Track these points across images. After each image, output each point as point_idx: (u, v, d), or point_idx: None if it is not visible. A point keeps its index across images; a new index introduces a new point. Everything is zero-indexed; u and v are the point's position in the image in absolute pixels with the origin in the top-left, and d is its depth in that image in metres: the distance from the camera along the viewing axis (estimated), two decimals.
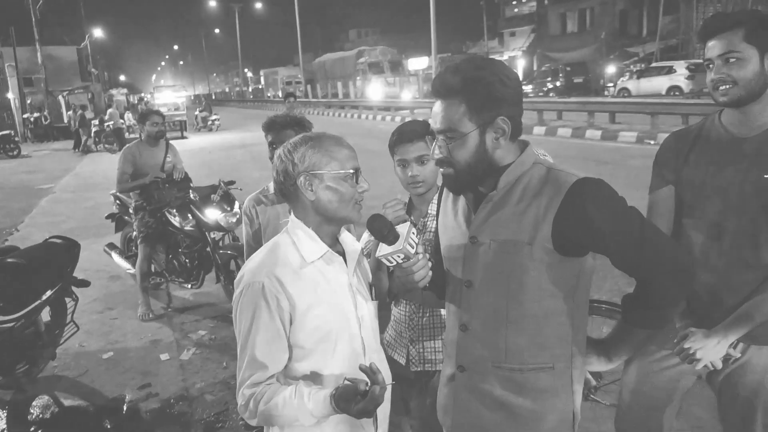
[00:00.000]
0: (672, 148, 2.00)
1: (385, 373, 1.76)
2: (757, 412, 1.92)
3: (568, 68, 33.35)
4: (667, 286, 1.45)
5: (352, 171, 1.56)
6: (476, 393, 1.61)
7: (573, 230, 1.41)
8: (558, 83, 31.12)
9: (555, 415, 1.56)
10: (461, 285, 1.59)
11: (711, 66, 1.83)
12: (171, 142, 5.62)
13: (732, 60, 1.77)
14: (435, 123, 1.50)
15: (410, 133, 2.13)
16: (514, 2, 50.57)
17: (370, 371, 1.43)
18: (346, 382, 1.46)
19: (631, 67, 31.01)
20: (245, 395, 1.52)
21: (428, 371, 2.25)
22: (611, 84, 30.82)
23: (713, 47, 1.81)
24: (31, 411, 3.84)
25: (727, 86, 1.79)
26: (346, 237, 1.70)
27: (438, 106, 1.49)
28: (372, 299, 1.72)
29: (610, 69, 34.04)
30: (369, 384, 1.42)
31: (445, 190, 1.74)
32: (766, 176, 1.77)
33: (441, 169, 1.55)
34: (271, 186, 2.66)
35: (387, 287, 1.78)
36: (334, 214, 1.57)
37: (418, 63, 54.14)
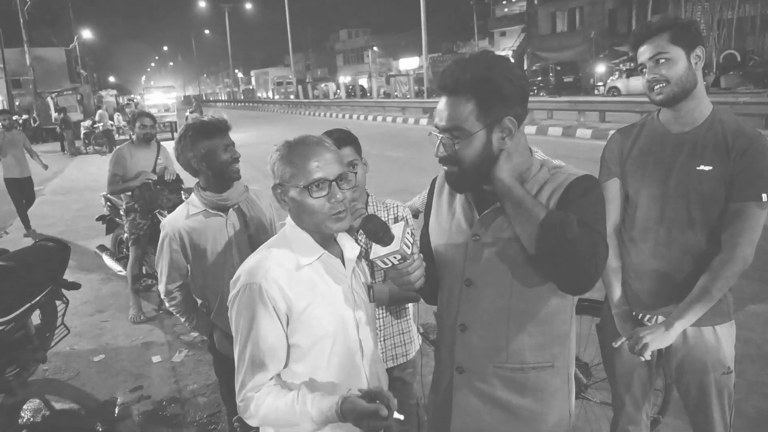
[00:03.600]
0: (617, 144, 2.16)
1: (381, 374, 1.76)
2: (710, 394, 2.05)
3: (559, 67, 33.51)
4: (576, 269, 1.36)
5: (310, 184, 1.50)
6: (476, 394, 1.59)
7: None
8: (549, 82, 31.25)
9: (555, 413, 1.57)
10: (460, 284, 1.58)
11: (644, 70, 1.98)
12: (162, 143, 5.60)
13: (662, 61, 1.92)
14: (440, 120, 1.46)
15: (337, 140, 2.06)
16: (504, 2, 50.71)
17: (389, 405, 1.42)
18: (354, 391, 1.45)
19: (621, 66, 31.20)
20: (247, 398, 1.52)
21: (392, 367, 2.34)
22: (601, 83, 31.00)
23: (644, 52, 1.96)
24: (22, 414, 3.82)
25: (662, 85, 1.94)
26: (343, 239, 1.69)
27: (444, 103, 1.46)
28: (370, 301, 1.72)
29: (600, 68, 34.24)
30: (387, 410, 1.40)
31: (437, 187, 1.73)
32: (698, 168, 1.93)
33: (445, 167, 1.52)
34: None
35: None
36: (306, 225, 1.57)
37: (408, 63, 54.25)
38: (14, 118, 28.52)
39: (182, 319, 2.69)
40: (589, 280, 1.37)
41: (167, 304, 2.66)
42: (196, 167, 2.46)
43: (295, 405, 1.47)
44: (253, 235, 2.57)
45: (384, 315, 2.31)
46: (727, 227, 1.91)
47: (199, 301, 2.71)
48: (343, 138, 2.14)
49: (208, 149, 2.42)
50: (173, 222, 2.53)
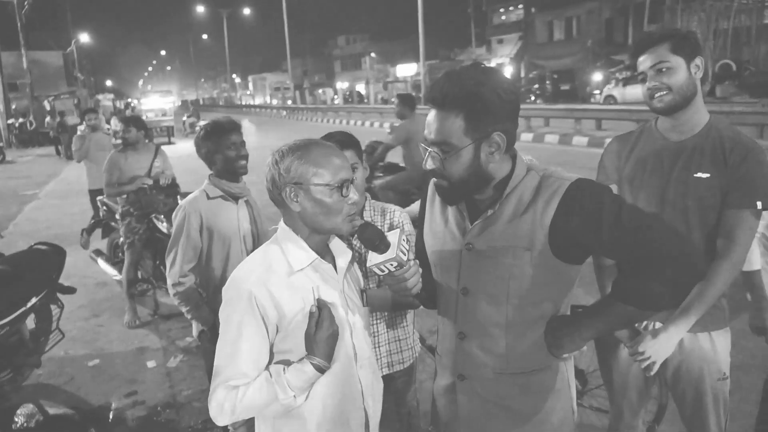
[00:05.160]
0: (615, 151, 2.18)
1: (376, 380, 1.75)
2: (706, 400, 2.06)
3: (555, 75, 33.68)
4: (668, 267, 1.35)
5: (338, 183, 1.51)
6: (480, 400, 1.60)
7: (573, 231, 1.40)
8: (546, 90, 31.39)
9: (559, 413, 1.58)
10: (456, 292, 1.58)
11: (644, 78, 2.00)
12: (162, 147, 5.62)
13: (663, 69, 1.95)
14: (429, 134, 1.46)
15: (339, 143, 2.04)
16: (502, 10, 50.93)
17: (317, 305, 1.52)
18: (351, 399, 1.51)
19: (617, 74, 31.31)
20: (220, 396, 1.49)
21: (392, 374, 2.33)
22: (597, 91, 31.10)
23: (645, 60, 1.99)
24: (16, 419, 3.79)
25: (663, 93, 1.95)
26: (336, 244, 1.68)
27: (433, 116, 1.46)
28: (364, 305, 1.72)
29: (597, 76, 34.37)
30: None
31: (429, 194, 1.73)
32: (695, 175, 1.95)
33: (434, 180, 1.53)
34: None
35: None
36: (320, 226, 1.56)
37: (406, 69, 54.36)
38: (10, 121, 28.58)
39: (185, 309, 2.76)
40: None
41: (174, 291, 2.73)
42: (212, 159, 2.77)
43: (269, 378, 1.48)
44: (259, 228, 2.82)
45: (378, 321, 2.30)
46: (721, 234, 1.93)
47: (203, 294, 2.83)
48: (344, 141, 2.12)
49: (224, 144, 2.76)
50: (194, 202, 2.73)
